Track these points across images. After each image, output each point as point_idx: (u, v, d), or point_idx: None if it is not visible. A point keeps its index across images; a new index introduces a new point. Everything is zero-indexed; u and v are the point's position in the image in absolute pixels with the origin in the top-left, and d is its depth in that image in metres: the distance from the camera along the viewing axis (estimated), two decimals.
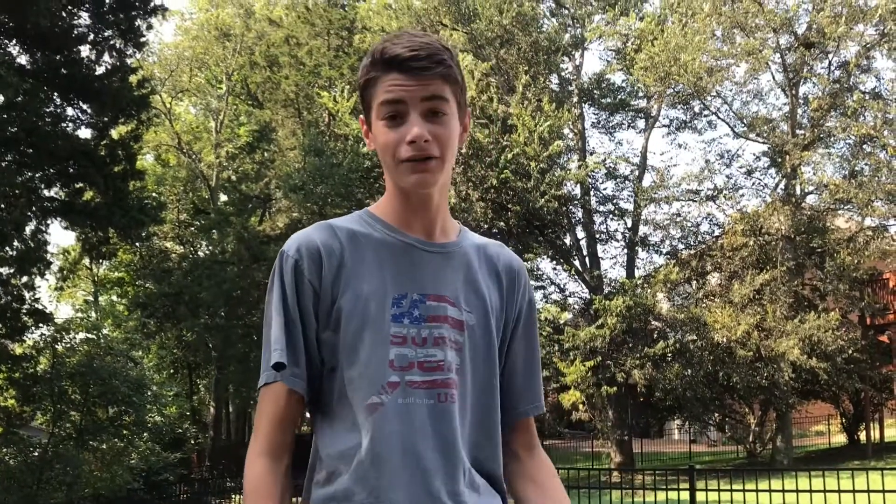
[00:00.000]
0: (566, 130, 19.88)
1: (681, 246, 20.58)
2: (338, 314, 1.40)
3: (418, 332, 1.40)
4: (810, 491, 8.47)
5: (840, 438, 21.73)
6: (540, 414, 1.61)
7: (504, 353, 1.53)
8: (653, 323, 18.53)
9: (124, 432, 15.29)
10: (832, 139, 18.40)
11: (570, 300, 21.23)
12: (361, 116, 1.50)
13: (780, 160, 18.64)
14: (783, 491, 8.62)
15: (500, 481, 1.49)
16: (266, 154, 26.19)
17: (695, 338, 17.77)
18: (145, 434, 16.19)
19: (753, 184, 20.65)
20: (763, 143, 19.34)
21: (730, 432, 20.49)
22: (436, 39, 1.42)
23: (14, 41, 12.76)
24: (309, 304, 1.41)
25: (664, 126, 22.14)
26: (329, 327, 1.41)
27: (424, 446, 1.36)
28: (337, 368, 1.40)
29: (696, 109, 21.08)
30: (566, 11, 21.16)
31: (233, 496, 15.89)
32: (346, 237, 1.44)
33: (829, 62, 18.68)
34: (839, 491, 8.36)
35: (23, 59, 13.00)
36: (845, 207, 18.18)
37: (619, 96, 21.77)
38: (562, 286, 21.70)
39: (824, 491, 8.36)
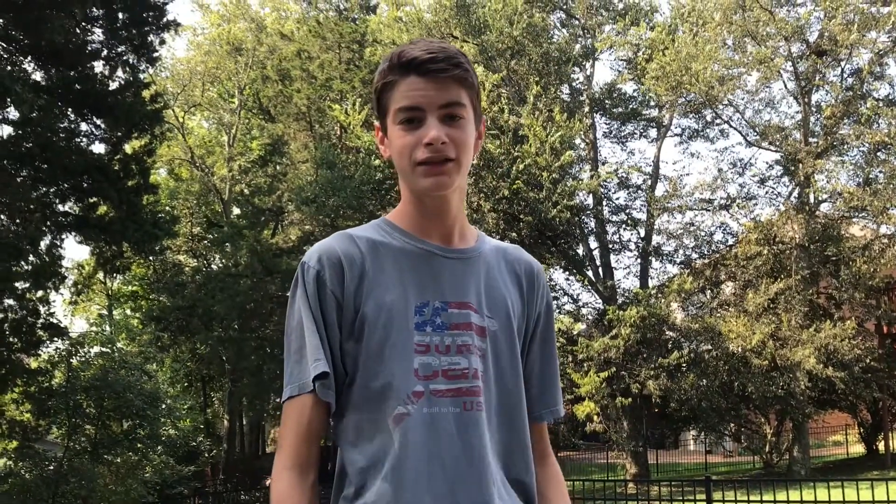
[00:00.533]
0: (578, 140, 19.87)
1: (694, 255, 20.49)
2: (361, 324, 1.39)
3: (441, 340, 1.40)
4: (829, 502, 8.38)
5: (858, 448, 21.52)
6: (558, 419, 1.61)
7: (523, 357, 1.52)
8: (667, 333, 18.43)
9: (139, 446, 15.32)
10: (846, 147, 18.29)
11: (584, 311, 21.17)
12: (377, 123, 1.50)
13: (793, 168, 18.55)
14: (801, 502, 8.54)
15: (531, 490, 1.48)
16: (278, 167, 26.31)
17: (709, 347, 17.66)
18: (159, 447, 16.22)
19: (767, 192, 20.56)
20: (776, 151, 19.26)
21: (746, 443, 20.33)
22: (452, 46, 1.43)
23: (29, 58, 12.89)
24: (333, 314, 1.40)
25: (676, 135, 22.11)
26: (352, 337, 1.41)
27: (451, 456, 1.35)
28: (360, 379, 1.40)
29: (708, 118, 21.03)
30: (576, 22, 21.18)
31: None
32: (367, 246, 1.44)
33: (842, 70, 18.61)
34: (859, 502, 8.27)
35: (38, 76, 13.13)
36: (860, 215, 18.05)
37: (631, 106, 21.74)
38: (575, 297, 21.64)
39: (843, 502, 8.27)
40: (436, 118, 1.38)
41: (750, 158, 21.07)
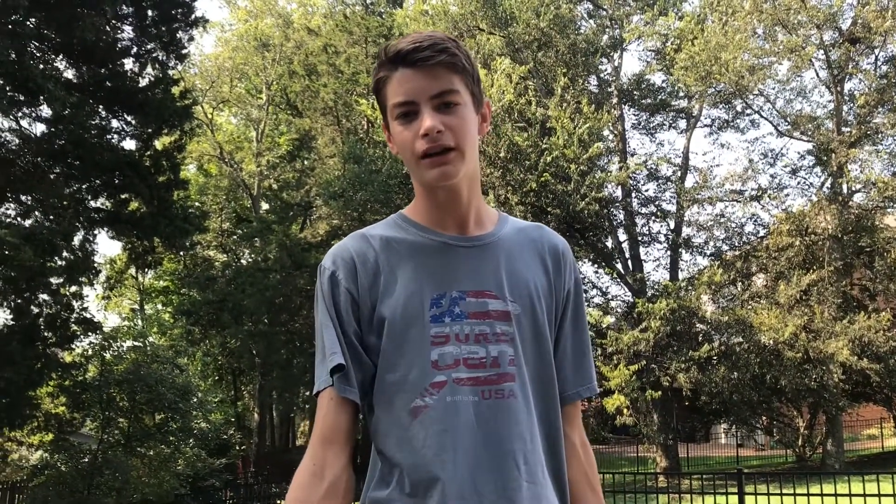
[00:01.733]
0: (606, 132, 19.73)
1: (725, 247, 20.28)
2: (379, 320, 1.41)
3: (461, 329, 1.40)
4: (864, 495, 8.26)
5: (893, 442, 21.21)
6: (593, 395, 1.59)
7: (554, 337, 1.51)
8: (697, 326, 18.27)
9: (171, 438, 15.51)
10: (880, 136, 17.97)
11: (613, 304, 21.05)
12: (383, 123, 1.50)
13: (825, 158, 18.28)
14: (836, 495, 8.42)
15: (563, 476, 1.47)
16: (306, 162, 26.45)
17: (741, 340, 17.48)
18: (191, 440, 16.41)
19: (798, 183, 20.29)
20: (808, 141, 18.99)
21: (778, 436, 20.12)
22: (441, 33, 1.42)
23: (61, 56, 13.06)
24: (350, 310, 1.42)
25: (706, 126, 21.88)
26: (373, 333, 1.42)
27: (471, 443, 1.35)
28: (380, 374, 1.41)
29: (739, 108, 20.78)
30: (604, 13, 21.01)
31: (278, 501, 16.02)
32: (380, 244, 1.45)
33: (876, 57, 18.28)
34: (895, 496, 8.14)
35: (69, 74, 13.31)
36: (895, 205, 17.76)
37: (660, 97, 21.55)
38: (604, 290, 21.52)
39: (879, 495, 8.15)
40: (430, 108, 1.38)
41: (781, 149, 20.84)
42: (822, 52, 18.14)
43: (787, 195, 20.11)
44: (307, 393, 25.35)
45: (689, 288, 18.10)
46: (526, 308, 1.45)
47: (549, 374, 1.47)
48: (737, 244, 20.14)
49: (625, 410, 17.59)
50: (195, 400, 16.65)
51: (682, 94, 21.12)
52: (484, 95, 1.50)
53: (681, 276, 20.14)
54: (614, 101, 20.49)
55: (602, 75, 21.59)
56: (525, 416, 1.40)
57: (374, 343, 1.42)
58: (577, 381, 1.55)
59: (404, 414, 1.37)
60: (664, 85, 21.50)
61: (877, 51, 18.05)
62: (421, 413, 1.36)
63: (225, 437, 21.41)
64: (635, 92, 21.46)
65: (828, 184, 18.81)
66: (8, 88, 11.45)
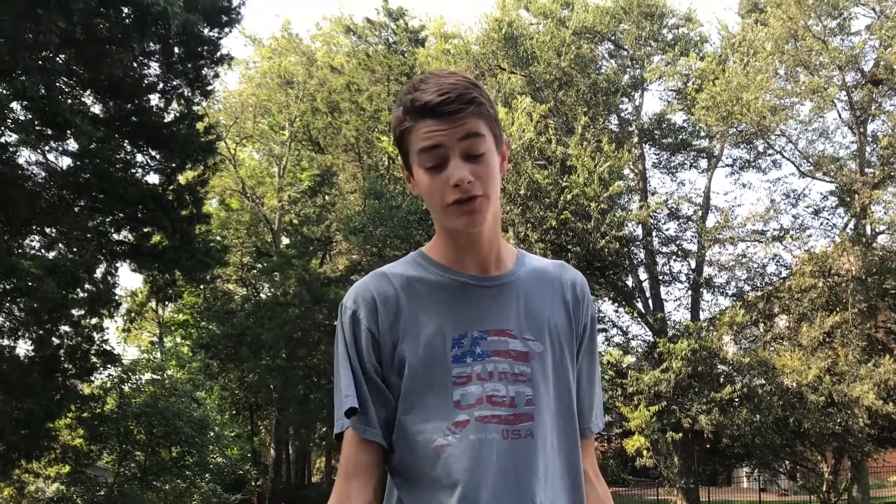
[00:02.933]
0: (626, 171, 19.72)
1: (747, 287, 20.08)
2: (400, 361, 1.41)
3: (483, 368, 1.40)
4: None
5: None
6: (600, 430, 1.60)
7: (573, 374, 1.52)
8: (719, 367, 18.05)
9: (187, 473, 15.48)
10: None
11: (633, 343, 20.85)
12: (401, 163, 1.50)
13: (848, 199, 18.14)
14: None
15: None
16: (327, 198, 26.63)
17: (763, 382, 17.24)
18: (207, 475, 16.35)
19: (821, 224, 20.10)
20: (830, 182, 18.86)
21: (802, 481, 19.71)
22: (462, 76, 1.42)
23: (89, 91, 13.29)
24: (371, 350, 1.42)
25: (727, 166, 21.79)
26: (393, 373, 1.42)
27: (494, 481, 1.35)
28: (402, 414, 1.41)
29: (760, 149, 20.70)
30: (625, 53, 21.14)
31: None
32: (401, 283, 1.45)
33: None
34: None
35: (96, 109, 13.52)
36: None
37: (681, 136, 21.54)
38: (624, 329, 21.34)
39: None
40: (457, 156, 1.38)
41: (803, 189, 20.71)
42: (844, 93, 18.10)
43: (810, 236, 19.91)
44: (324, 429, 25.23)
45: (711, 328, 17.92)
46: (546, 346, 1.45)
47: (571, 411, 1.47)
48: (759, 285, 19.94)
49: (645, 452, 17.34)
50: (212, 434, 16.63)
51: (703, 133, 21.10)
52: (503, 133, 1.50)
53: (702, 316, 19.96)
54: (635, 140, 20.51)
55: (623, 114, 21.65)
56: (542, 456, 1.39)
57: (395, 382, 1.42)
58: (588, 417, 1.55)
59: (428, 453, 1.37)
60: (685, 124, 21.51)
61: None
62: (444, 452, 1.36)
63: (241, 472, 21.32)
64: (656, 131, 21.48)
65: (851, 225, 18.65)
66: (37, 123, 11.66)
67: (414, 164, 1.42)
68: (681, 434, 16.79)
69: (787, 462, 19.00)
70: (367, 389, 1.41)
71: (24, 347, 13.42)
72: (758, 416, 16.79)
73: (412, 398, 1.40)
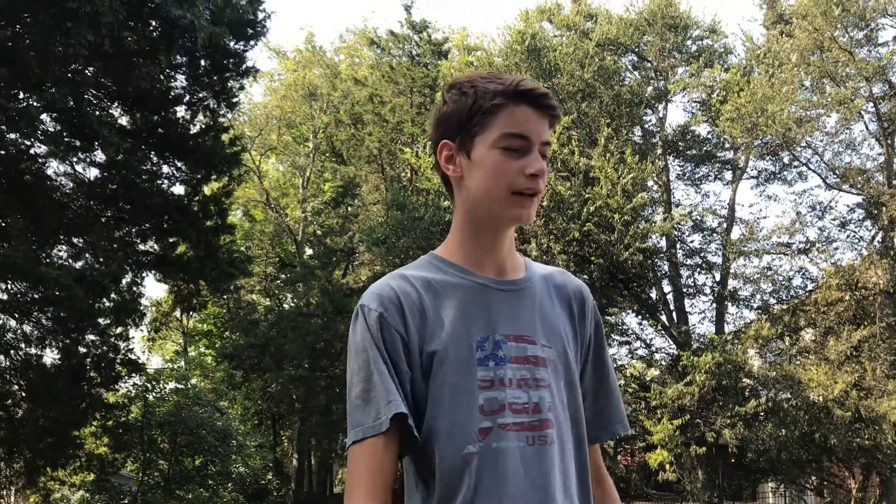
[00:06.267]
0: (650, 183, 19.63)
1: (772, 300, 19.87)
2: (428, 363, 1.39)
3: (504, 374, 1.39)
4: None
5: None
6: (624, 434, 1.62)
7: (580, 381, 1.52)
8: (744, 380, 17.86)
9: (209, 482, 15.56)
10: None
11: (657, 356, 20.70)
12: (447, 141, 1.47)
13: (875, 212, 17.93)
14: None
15: None
16: (350, 209, 26.73)
17: (788, 396, 17.04)
18: (230, 484, 16.43)
19: (848, 236, 19.88)
20: (857, 194, 18.67)
21: (829, 497, 19.43)
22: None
23: (116, 103, 13.47)
24: (402, 354, 1.39)
25: (752, 177, 21.63)
26: (420, 377, 1.40)
27: (518, 492, 1.34)
28: (429, 418, 1.38)
29: (786, 160, 20.53)
30: (649, 64, 21.08)
31: None
32: (422, 285, 1.44)
33: None
34: None
35: (124, 120, 13.70)
36: None
37: (705, 148, 21.41)
38: (648, 342, 21.19)
39: None
40: (538, 152, 1.42)
41: (830, 201, 20.45)
42: (871, 104, 17.94)
43: (836, 249, 19.70)
44: (346, 440, 25.26)
45: (736, 342, 17.76)
46: (560, 353, 1.46)
47: (581, 417, 1.47)
48: (784, 298, 19.74)
49: (668, 466, 17.18)
50: (234, 444, 16.70)
51: (727, 145, 20.98)
52: None
53: (727, 329, 19.77)
54: (659, 151, 20.43)
55: (646, 126, 21.57)
56: (561, 463, 1.40)
57: (421, 387, 1.40)
58: (597, 425, 1.55)
59: (458, 461, 1.35)
60: (709, 136, 21.39)
61: None
62: (473, 460, 1.34)
63: (263, 482, 21.37)
64: (680, 143, 21.37)
65: (878, 238, 18.43)
66: (65, 134, 11.83)
67: (484, 142, 1.41)
68: (705, 448, 16.62)
69: (813, 478, 18.75)
70: (403, 393, 1.37)
71: (50, 356, 13.59)
72: (783, 430, 16.60)
73: (439, 401, 1.38)
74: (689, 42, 20.88)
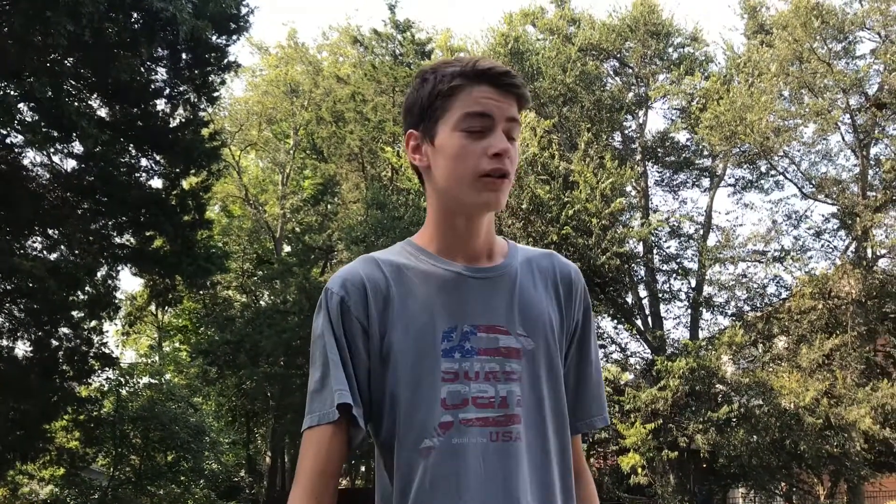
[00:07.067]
0: (629, 188, 19.75)
1: (746, 308, 20.08)
2: (387, 351, 1.35)
3: (471, 366, 1.34)
4: None
5: None
6: (594, 429, 1.54)
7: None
8: (717, 386, 18.01)
9: (182, 478, 15.44)
10: None
11: (632, 360, 20.82)
12: (412, 131, 1.43)
13: (850, 222, 18.17)
14: None
15: None
16: (329, 206, 26.65)
17: (760, 403, 17.21)
18: (202, 481, 16.31)
19: (822, 246, 20.13)
20: (832, 204, 18.90)
21: (798, 503, 19.65)
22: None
23: (95, 95, 13.34)
24: (359, 341, 1.36)
25: (730, 185, 21.84)
26: (381, 364, 1.36)
27: (478, 488, 1.30)
28: (388, 408, 1.35)
29: (763, 169, 20.76)
30: (630, 71, 21.21)
31: None
32: (391, 270, 1.39)
33: None
34: None
35: (103, 112, 13.57)
36: None
37: (684, 155, 21.59)
38: (623, 346, 21.32)
39: None
40: (502, 131, 1.35)
41: (805, 211, 20.69)
42: (848, 116, 18.17)
43: (811, 258, 19.94)
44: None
45: (710, 347, 17.91)
46: (540, 343, 1.40)
47: (564, 410, 1.42)
48: (758, 305, 19.94)
49: (640, 470, 17.29)
50: (207, 440, 16.58)
51: (706, 153, 21.15)
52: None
53: (701, 335, 19.94)
54: (638, 157, 20.57)
55: (626, 132, 21.71)
56: (529, 459, 1.34)
57: (380, 375, 1.36)
58: (580, 414, 1.50)
59: (412, 454, 1.32)
60: (688, 143, 21.57)
61: None
62: (429, 455, 1.31)
63: (236, 479, 21.24)
64: (659, 149, 21.53)
65: (852, 248, 18.67)
66: (43, 124, 11.71)
67: (446, 126, 1.36)
68: (677, 453, 16.75)
69: (783, 484, 18.93)
70: (356, 382, 1.34)
71: (22, 348, 13.44)
72: (755, 436, 16.76)
73: (399, 392, 1.34)
74: (670, 49, 21.05)
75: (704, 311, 20.57)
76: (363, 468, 26.85)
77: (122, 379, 15.25)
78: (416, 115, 1.41)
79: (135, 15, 12.05)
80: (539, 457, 1.36)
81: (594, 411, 1.52)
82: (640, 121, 21.44)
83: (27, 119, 11.75)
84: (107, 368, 14.67)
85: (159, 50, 13.02)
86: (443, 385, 1.33)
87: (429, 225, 1.45)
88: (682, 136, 21.62)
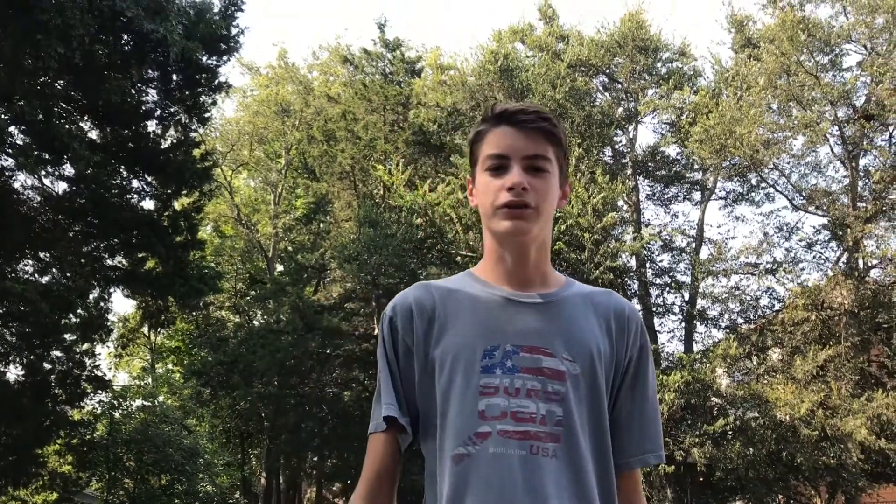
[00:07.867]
0: (620, 202, 19.82)
1: (740, 320, 20.11)
2: (431, 367, 1.48)
3: (511, 383, 1.43)
4: None
5: None
6: (658, 463, 1.64)
7: (611, 402, 1.54)
8: (712, 399, 18.01)
9: (176, 501, 15.31)
10: (895, 212, 17.98)
11: None
12: (468, 177, 1.60)
13: (841, 233, 18.25)
14: None
15: None
16: (322, 225, 26.65)
17: (756, 415, 17.19)
18: (196, 503, 16.17)
19: (814, 257, 20.21)
20: (823, 216, 18.99)
21: None
22: (548, 110, 1.55)
23: (86, 117, 13.33)
24: (407, 358, 1.50)
25: (721, 198, 21.94)
26: (425, 379, 1.49)
27: (512, 497, 1.37)
28: (431, 419, 1.48)
29: (753, 182, 20.87)
30: (619, 86, 21.34)
31: None
32: (440, 294, 1.53)
33: (890, 134, 18.40)
34: None
35: (94, 134, 13.56)
36: None
37: (674, 169, 21.69)
38: None
39: None
40: (520, 166, 1.46)
41: (796, 223, 20.79)
42: (836, 127, 18.30)
43: (803, 269, 20.01)
44: (315, 458, 25.03)
45: (704, 360, 17.91)
46: (586, 369, 1.47)
47: (605, 437, 1.49)
48: (752, 317, 19.98)
49: None
50: (202, 462, 16.47)
51: (696, 166, 21.26)
52: (569, 177, 1.60)
53: (695, 348, 19.96)
54: (629, 171, 20.65)
55: (617, 146, 21.81)
56: (564, 478, 1.40)
57: (426, 388, 1.48)
58: (631, 451, 1.55)
59: (448, 460, 1.41)
60: (679, 157, 21.68)
61: (891, 128, 18.19)
62: (463, 461, 1.39)
63: (231, 501, 21.07)
64: (650, 163, 21.62)
65: (844, 259, 18.75)
66: (34, 147, 11.68)
67: (479, 169, 1.52)
68: (673, 467, 16.70)
69: (780, 496, 18.88)
70: (404, 395, 1.49)
71: (14, 372, 13.34)
72: (751, 449, 16.73)
73: (441, 403, 1.45)
74: (659, 64, 21.19)
75: (698, 324, 20.61)
76: None
77: (114, 402, 15.16)
78: (469, 163, 1.60)
79: (125, 37, 12.07)
80: (577, 476, 1.41)
81: (648, 448, 1.58)
82: (631, 135, 21.55)
83: (18, 142, 11.73)
84: (99, 391, 14.58)
85: (150, 71, 13.04)
86: (481, 398, 1.42)
87: (486, 256, 1.58)
88: (672, 150, 21.75)
